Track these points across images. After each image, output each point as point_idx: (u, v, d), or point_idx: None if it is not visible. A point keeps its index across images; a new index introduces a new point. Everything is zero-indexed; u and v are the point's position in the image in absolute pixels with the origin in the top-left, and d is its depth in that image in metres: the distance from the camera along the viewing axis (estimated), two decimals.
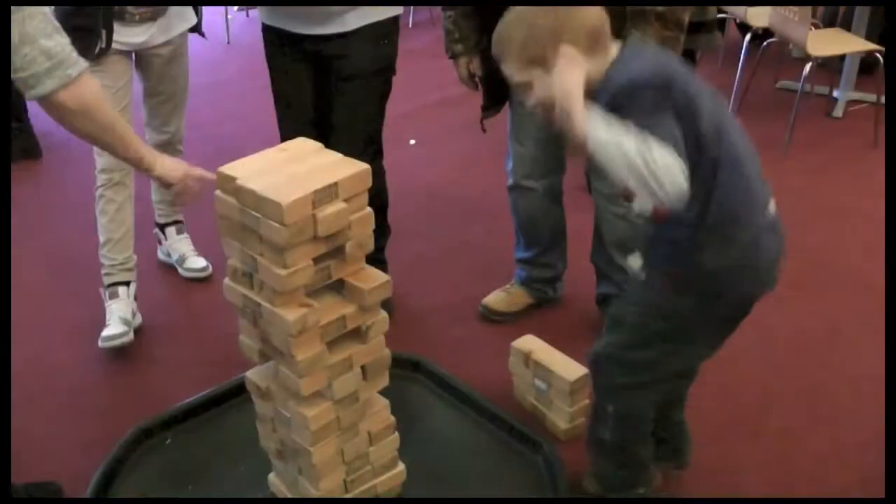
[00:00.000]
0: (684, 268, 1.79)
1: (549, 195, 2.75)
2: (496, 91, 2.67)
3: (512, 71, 1.72)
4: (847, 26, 4.78)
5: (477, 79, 2.72)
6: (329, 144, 1.86)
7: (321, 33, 2.57)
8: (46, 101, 1.83)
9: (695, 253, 1.74)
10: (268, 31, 2.71)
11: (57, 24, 1.84)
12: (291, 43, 2.65)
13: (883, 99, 4.34)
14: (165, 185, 2.18)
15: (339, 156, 1.78)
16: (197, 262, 3.27)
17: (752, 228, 1.76)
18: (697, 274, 1.77)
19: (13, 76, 1.77)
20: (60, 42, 1.82)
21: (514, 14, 1.71)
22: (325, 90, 2.69)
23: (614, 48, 1.72)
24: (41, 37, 1.77)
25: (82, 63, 1.86)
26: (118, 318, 2.85)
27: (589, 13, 1.69)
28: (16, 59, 1.74)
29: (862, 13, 4.71)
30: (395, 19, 2.67)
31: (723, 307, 1.83)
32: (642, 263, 1.88)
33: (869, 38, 4.63)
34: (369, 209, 1.76)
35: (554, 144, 2.62)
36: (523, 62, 1.68)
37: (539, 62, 1.66)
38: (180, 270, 3.28)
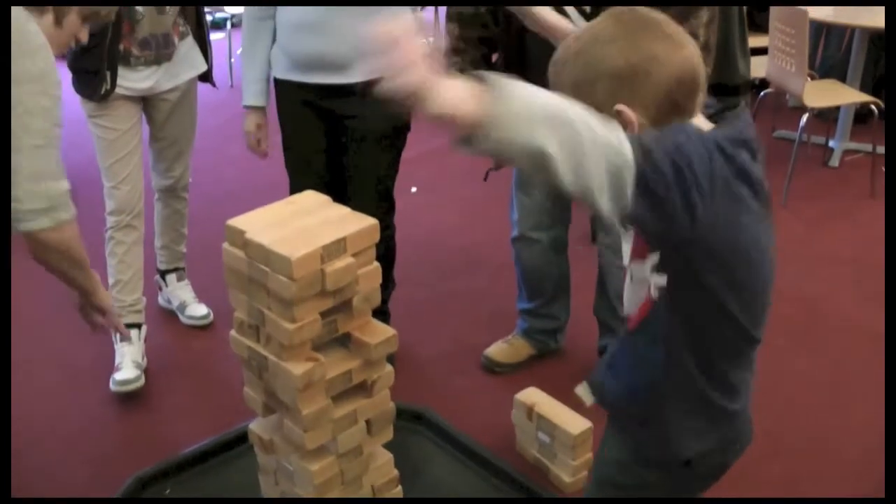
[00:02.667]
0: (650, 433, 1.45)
1: (554, 246, 2.76)
2: None
3: None
4: (842, 77, 4.84)
5: None
6: (342, 200, 1.86)
7: (333, 83, 2.58)
8: (32, 236, 1.83)
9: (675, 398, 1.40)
10: (281, 86, 2.71)
11: (63, 166, 1.84)
12: (306, 101, 2.66)
13: (878, 149, 4.39)
14: (99, 309, 2.14)
15: (348, 210, 1.79)
16: (198, 310, 3.27)
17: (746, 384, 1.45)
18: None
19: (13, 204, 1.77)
20: (63, 187, 1.83)
21: (577, 36, 1.34)
22: (339, 149, 2.70)
23: (702, 120, 1.33)
24: (49, 178, 1.79)
25: (73, 210, 1.86)
26: (130, 360, 2.85)
27: (675, 58, 1.27)
28: (18, 191, 1.75)
29: (857, 65, 4.78)
30: None
31: (702, 477, 1.52)
32: (594, 399, 1.55)
33: (863, 88, 4.70)
34: (377, 264, 1.77)
35: (562, 196, 2.63)
36: (581, 86, 1.30)
37: (591, 94, 1.28)
38: (181, 317, 3.27)
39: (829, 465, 2.49)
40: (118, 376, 2.81)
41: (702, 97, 1.33)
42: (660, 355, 1.38)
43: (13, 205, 1.77)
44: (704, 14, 2.25)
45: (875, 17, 4.45)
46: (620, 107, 1.27)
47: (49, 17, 1.92)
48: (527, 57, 2.47)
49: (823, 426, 2.65)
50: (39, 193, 1.77)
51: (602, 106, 1.24)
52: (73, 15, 1.96)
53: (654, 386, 1.41)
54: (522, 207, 2.74)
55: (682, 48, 1.28)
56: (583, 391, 1.55)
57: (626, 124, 1.26)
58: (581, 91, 1.27)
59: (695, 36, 2.24)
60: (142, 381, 2.83)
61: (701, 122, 1.33)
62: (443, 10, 7.40)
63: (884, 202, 4.15)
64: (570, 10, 2.31)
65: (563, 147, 1.08)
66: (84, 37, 2.07)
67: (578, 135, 1.09)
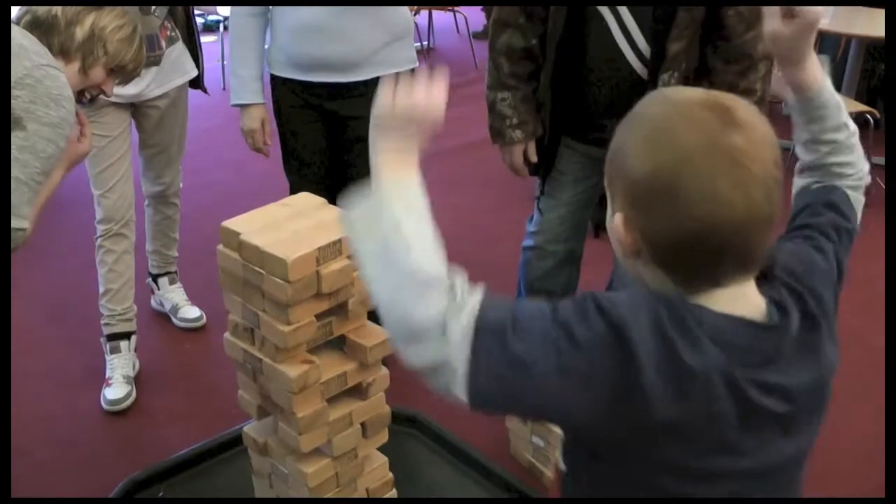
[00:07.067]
0: None
1: (569, 259, 2.68)
2: (547, 169, 2.58)
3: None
4: (837, 86, 4.86)
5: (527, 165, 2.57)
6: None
7: (337, 81, 2.56)
8: None
9: None
10: (281, 86, 2.69)
11: (31, 211, 1.82)
12: (307, 103, 2.64)
13: (874, 159, 4.40)
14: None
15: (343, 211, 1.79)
16: (191, 312, 3.26)
17: None
18: None
19: None
20: (20, 225, 1.80)
21: (648, 99, 1.09)
22: (340, 150, 2.68)
23: (728, 294, 1.04)
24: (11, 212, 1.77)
25: (18, 244, 1.83)
26: (120, 375, 2.83)
27: (707, 202, 0.98)
28: None
29: (852, 74, 4.80)
30: (412, 74, 2.67)
31: None
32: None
33: (858, 98, 4.72)
34: None
35: (584, 210, 2.60)
36: (607, 173, 1.10)
37: (608, 183, 1.10)
38: (174, 320, 3.27)
39: (825, 475, 2.49)
40: (108, 394, 2.80)
41: (746, 269, 1.05)
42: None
43: None
44: (762, 68, 2.23)
45: (871, 27, 4.46)
46: (619, 217, 1.06)
47: (76, 65, 1.97)
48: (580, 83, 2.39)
49: (819, 436, 2.65)
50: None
51: (613, 188, 1.08)
52: (98, 67, 2.01)
53: None
54: (545, 220, 2.65)
55: (741, 201, 0.98)
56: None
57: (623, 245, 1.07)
58: (614, 160, 1.08)
59: (752, 92, 2.21)
60: (132, 398, 2.82)
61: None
62: (437, 13, 7.43)
63: (878, 212, 4.16)
64: (603, 10, 2.26)
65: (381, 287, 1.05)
66: (109, 90, 2.11)
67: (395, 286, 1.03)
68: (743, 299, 1.05)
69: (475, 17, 7.44)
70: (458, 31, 7.64)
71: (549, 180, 2.61)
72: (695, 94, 1.05)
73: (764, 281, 1.09)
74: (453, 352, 0.99)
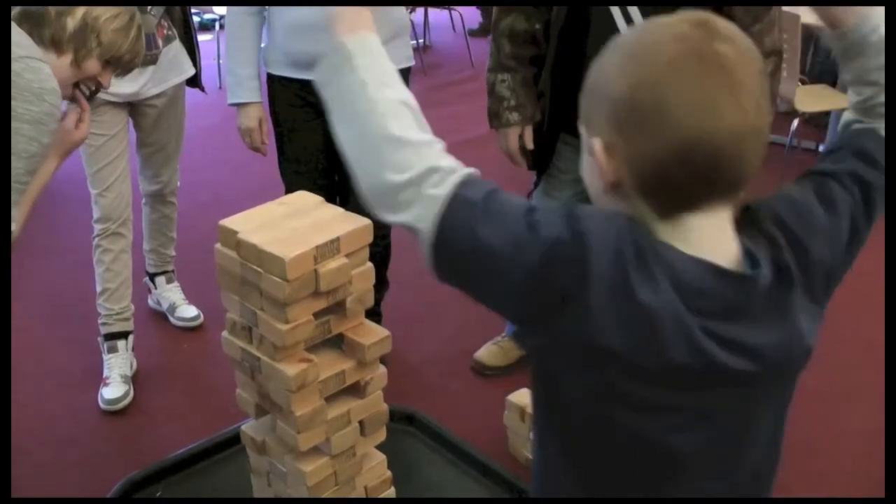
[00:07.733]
0: None
1: None
2: (543, 164, 2.56)
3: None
4: (832, 82, 4.87)
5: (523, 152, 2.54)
6: (341, 201, 1.85)
7: None
8: None
9: None
10: (279, 85, 2.68)
11: (17, 212, 1.82)
12: (305, 101, 2.63)
13: None
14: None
15: (340, 210, 1.79)
16: (188, 311, 3.26)
17: None
18: None
19: None
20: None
21: (620, 39, 1.03)
22: (337, 149, 2.67)
23: (699, 221, 0.99)
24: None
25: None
26: (118, 375, 2.83)
27: (698, 118, 0.93)
28: None
29: None
30: (407, 73, 2.67)
31: None
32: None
33: None
34: (370, 264, 1.76)
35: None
36: (583, 109, 1.05)
37: (584, 121, 1.05)
38: (171, 319, 3.27)
39: (822, 472, 2.49)
40: (106, 394, 2.80)
41: (728, 191, 0.99)
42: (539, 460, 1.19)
43: None
44: (769, 63, 2.20)
45: None
46: (596, 142, 1.00)
47: (68, 57, 1.92)
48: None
49: (817, 432, 2.65)
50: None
51: (590, 121, 1.03)
52: (92, 59, 1.95)
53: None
54: None
55: (730, 109, 0.93)
56: None
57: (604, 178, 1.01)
58: (586, 97, 1.04)
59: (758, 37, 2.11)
60: (130, 397, 2.82)
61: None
62: (433, 11, 7.43)
63: None
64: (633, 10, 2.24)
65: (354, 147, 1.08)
66: (107, 82, 2.05)
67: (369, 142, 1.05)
68: (717, 240, 1.00)
69: (471, 15, 7.44)
70: (454, 28, 7.64)
71: (549, 179, 2.60)
72: (674, 16, 1.00)
73: (747, 227, 1.03)
74: (425, 218, 1.00)
